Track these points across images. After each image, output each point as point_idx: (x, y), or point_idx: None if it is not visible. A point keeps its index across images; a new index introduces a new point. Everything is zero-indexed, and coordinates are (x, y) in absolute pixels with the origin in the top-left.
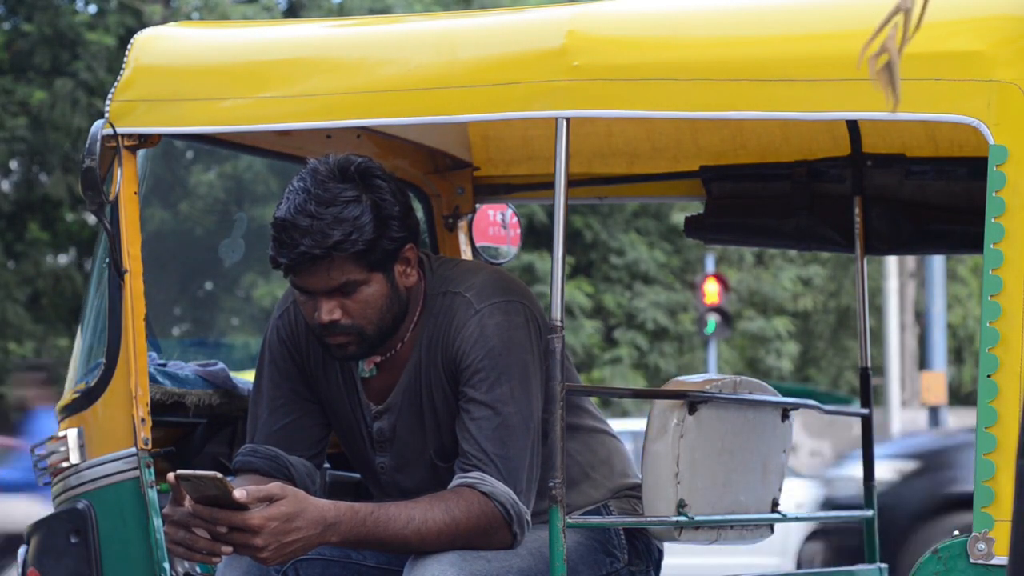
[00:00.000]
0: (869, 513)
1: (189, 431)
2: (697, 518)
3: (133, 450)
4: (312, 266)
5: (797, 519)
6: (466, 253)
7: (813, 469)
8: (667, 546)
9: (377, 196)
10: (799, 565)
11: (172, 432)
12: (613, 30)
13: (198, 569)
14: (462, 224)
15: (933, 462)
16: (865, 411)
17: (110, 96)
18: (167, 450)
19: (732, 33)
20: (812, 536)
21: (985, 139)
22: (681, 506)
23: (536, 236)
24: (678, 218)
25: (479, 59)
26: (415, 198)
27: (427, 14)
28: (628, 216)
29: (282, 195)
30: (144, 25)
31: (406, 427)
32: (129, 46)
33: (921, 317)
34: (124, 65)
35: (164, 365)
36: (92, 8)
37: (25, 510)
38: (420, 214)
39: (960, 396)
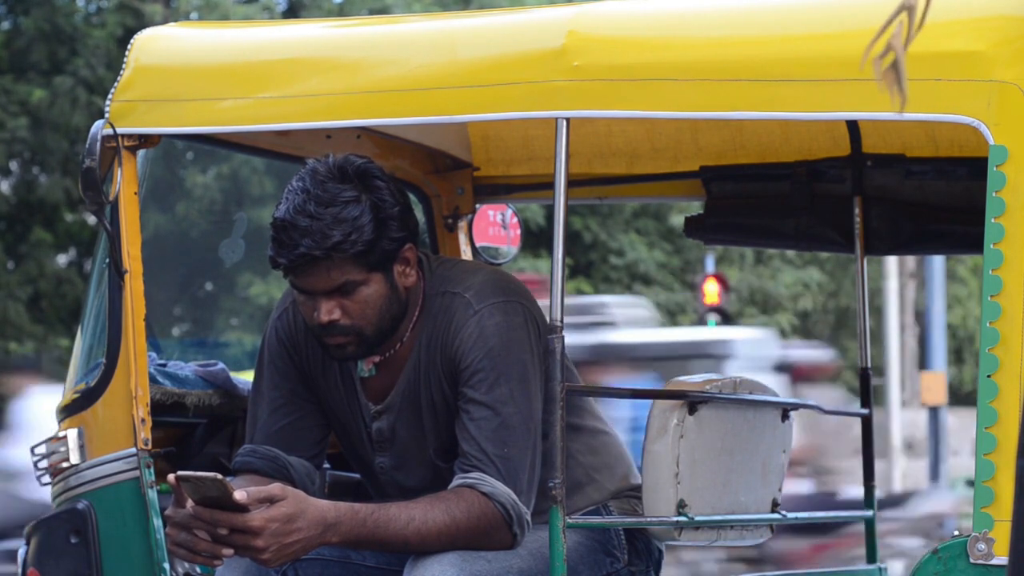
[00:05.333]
0: (869, 513)
1: (189, 431)
2: (697, 518)
3: (133, 450)
4: (312, 266)
5: (797, 519)
6: (466, 253)
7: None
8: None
9: (376, 196)
10: None
11: (172, 432)
12: (613, 30)
13: (198, 570)
14: (462, 224)
15: None
16: (865, 411)
17: (110, 96)
18: (167, 450)
19: (732, 33)
20: None
21: (985, 139)
22: (681, 506)
23: (532, 241)
24: (678, 218)
25: (479, 59)
26: (415, 198)
27: (427, 14)
28: (628, 216)
29: (281, 195)
30: (144, 25)
31: (405, 427)
32: (129, 46)
33: (921, 317)
34: (124, 65)
35: (164, 365)
36: (91, 8)
37: None
38: (420, 214)
39: (960, 396)
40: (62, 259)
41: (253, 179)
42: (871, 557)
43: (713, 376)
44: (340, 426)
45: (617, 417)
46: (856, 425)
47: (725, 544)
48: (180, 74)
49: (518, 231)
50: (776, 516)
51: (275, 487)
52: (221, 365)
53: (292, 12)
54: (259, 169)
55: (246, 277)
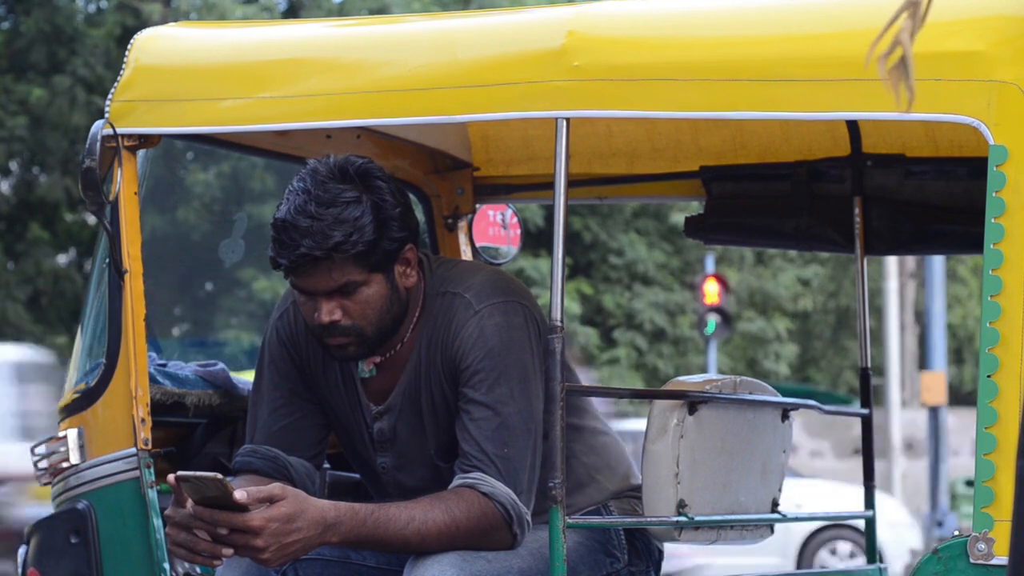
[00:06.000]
0: (869, 513)
1: (189, 431)
2: (697, 518)
3: (133, 450)
4: (312, 267)
5: (797, 519)
6: (466, 253)
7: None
8: (672, 546)
9: (377, 197)
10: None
11: (172, 432)
12: (613, 30)
13: (198, 570)
14: (462, 224)
15: None
16: (865, 411)
17: (110, 96)
18: (167, 450)
19: (732, 33)
20: None
21: (985, 139)
22: (681, 506)
23: (531, 241)
24: (678, 218)
25: (479, 59)
26: (415, 199)
27: (427, 14)
28: (628, 216)
29: (282, 195)
30: (143, 24)
31: (406, 427)
32: (129, 46)
33: (921, 317)
34: (124, 65)
35: (164, 365)
36: (91, 8)
37: None
38: (420, 215)
39: (960, 396)
40: (62, 259)
41: (254, 175)
42: (871, 557)
43: (713, 376)
44: (341, 426)
45: None
46: (856, 425)
47: (725, 544)
48: (180, 74)
49: (518, 231)
50: (776, 516)
51: (275, 487)
52: (221, 365)
53: (292, 12)
54: (259, 165)
55: (249, 273)
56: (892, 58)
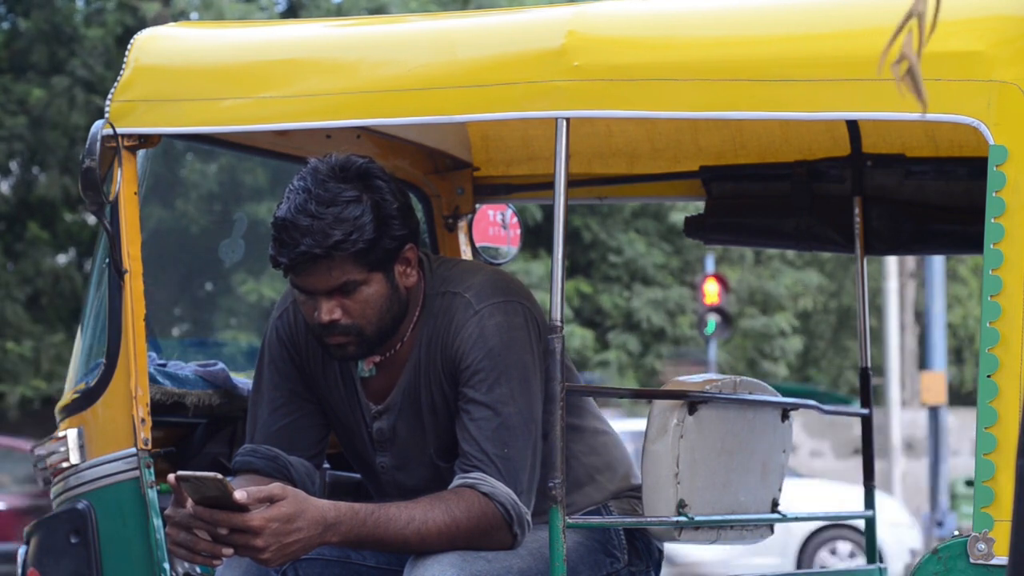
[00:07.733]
0: (869, 513)
1: (189, 431)
2: (697, 518)
3: (133, 450)
4: (312, 266)
5: (797, 519)
6: (466, 253)
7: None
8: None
9: (378, 196)
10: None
11: (172, 432)
12: (613, 30)
13: (198, 570)
14: (462, 224)
15: None
16: (865, 411)
17: (110, 96)
18: (167, 450)
19: (732, 33)
20: None
21: (985, 139)
22: (681, 506)
23: (531, 240)
24: (678, 218)
25: (479, 59)
26: (415, 198)
27: (427, 14)
28: (628, 216)
29: (274, 193)
30: (142, 24)
31: (406, 427)
32: (129, 46)
33: (921, 317)
34: (124, 65)
35: (164, 365)
36: (91, 7)
37: None
38: (420, 214)
39: (960, 396)
40: (62, 259)
41: (246, 169)
42: (871, 557)
43: (713, 376)
44: (341, 426)
45: None
46: (856, 425)
47: (725, 544)
48: (180, 74)
49: (518, 231)
50: (776, 516)
51: (275, 487)
52: (221, 365)
53: (291, 12)
54: (255, 161)
55: (239, 277)
56: (902, 68)
